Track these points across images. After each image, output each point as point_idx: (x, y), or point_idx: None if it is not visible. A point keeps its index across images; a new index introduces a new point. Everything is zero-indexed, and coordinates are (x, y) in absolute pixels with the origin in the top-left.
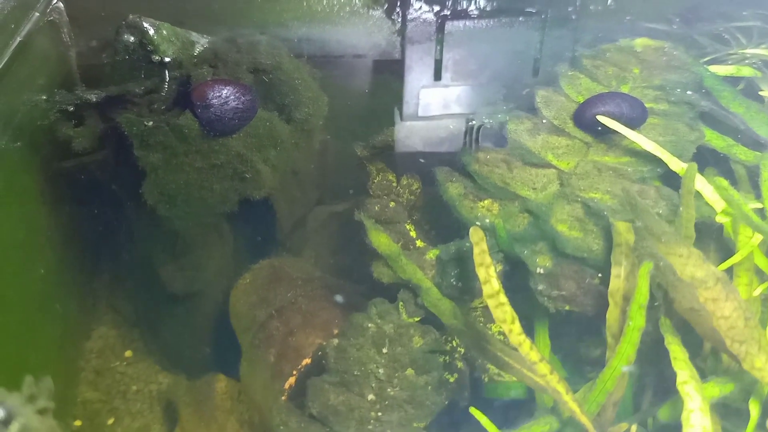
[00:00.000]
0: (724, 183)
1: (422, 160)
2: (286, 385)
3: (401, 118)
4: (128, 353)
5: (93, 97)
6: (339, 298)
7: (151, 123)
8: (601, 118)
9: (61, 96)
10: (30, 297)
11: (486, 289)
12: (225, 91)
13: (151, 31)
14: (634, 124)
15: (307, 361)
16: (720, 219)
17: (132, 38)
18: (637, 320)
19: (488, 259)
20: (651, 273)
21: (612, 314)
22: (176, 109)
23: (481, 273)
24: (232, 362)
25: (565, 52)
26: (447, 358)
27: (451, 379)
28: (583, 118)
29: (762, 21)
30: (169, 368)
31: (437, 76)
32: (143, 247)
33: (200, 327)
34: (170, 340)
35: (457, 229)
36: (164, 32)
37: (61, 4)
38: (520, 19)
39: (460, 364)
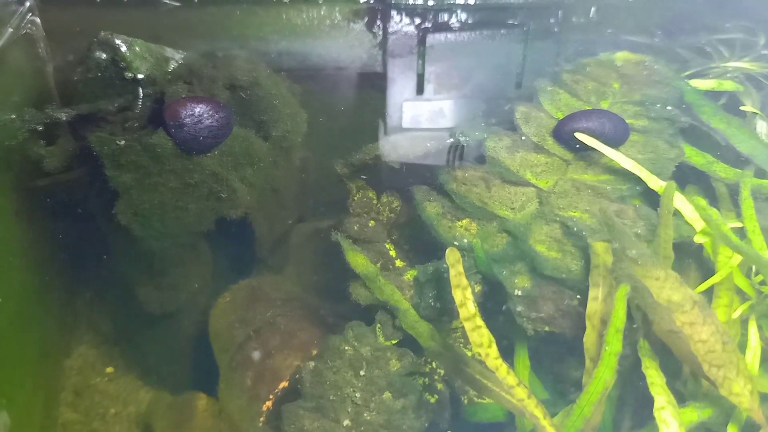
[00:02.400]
0: (703, 202)
1: (402, 178)
2: (264, 408)
3: (382, 134)
4: (109, 369)
5: (63, 115)
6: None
7: (123, 142)
8: (580, 135)
9: (31, 115)
10: (7, 317)
11: (462, 312)
12: (198, 109)
13: (123, 48)
14: (615, 142)
15: (284, 384)
16: (698, 239)
17: (104, 55)
18: (614, 345)
19: (465, 282)
20: (629, 294)
21: (589, 338)
22: (150, 127)
23: (457, 295)
24: (212, 380)
25: (547, 66)
26: (426, 380)
27: (432, 400)
28: (563, 133)
29: (745, 33)
30: (150, 386)
31: (419, 89)
32: (121, 267)
33: (181, 345)
34: (151, 358)
35: (437, 248)
36: (137, 49)
37: (37, 18)
38: (502, 31)
39: (440, 386)
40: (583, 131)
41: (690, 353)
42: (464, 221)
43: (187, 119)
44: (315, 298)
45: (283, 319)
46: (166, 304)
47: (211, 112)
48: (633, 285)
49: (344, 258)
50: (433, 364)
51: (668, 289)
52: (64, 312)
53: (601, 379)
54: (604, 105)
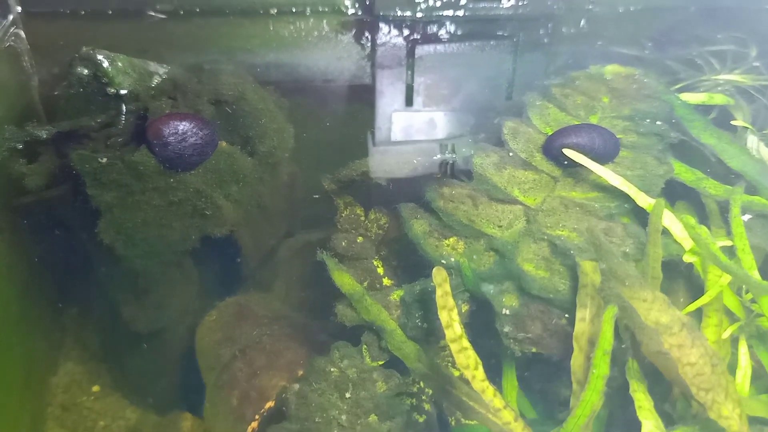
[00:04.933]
0: (692, 221)
1: (390, 194)
2: (249, 429)
3: (370, 149)
4: (95, 388)
5: (43, 133)
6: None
7: (105, 159)
8: (567, 151)
9: (10, 132)
10: None
11: (448, 334)
12: (181, 127)
13: (105, 63)
14: (606, 157)
15: (270, 404)
16: (688, 258)
17: (86, 71)
18: (601, 368)
19: (451, 302)
20: (617, 315)
21: (577, 360)
22: (132, 143)
23: (443, 317)
24: (198, 400)
25: (537, 79)
26: (414, 400)
27: (420, 420)
28: (553, 149)
29: (736, 45)
30: (137, 404)
31: (408, 102)
32: (106, 285)
33: (167, 364)
34: (137, 376)
35: (425, 266)
36: (119, 64)
37: (21, 32)
38: (492, 43)
39: (427, 406)
40: (573, 147)
41: (678, 375)
42: (451, 240)
43: (171, 137)
44: (302, 316)
45: (270, 338)
46: (151, 322)
47: (195, 130)
48: (621, 306)
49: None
50: (421, 384)
51: (656, 310)
52: (50, 328)
53: (588, 402)
54: (593, 120)
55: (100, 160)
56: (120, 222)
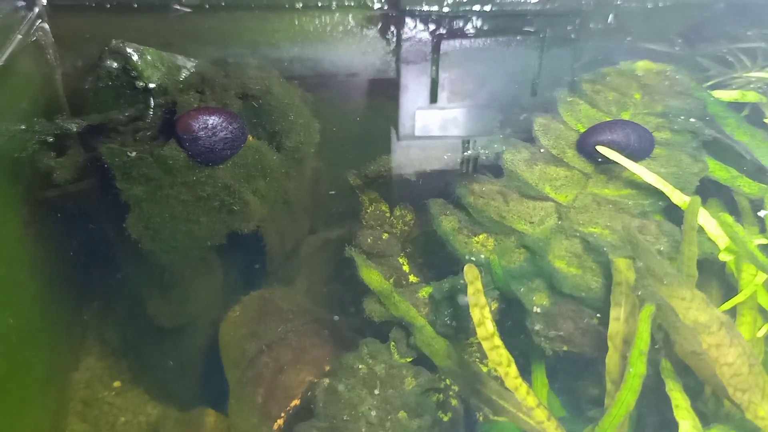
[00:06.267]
0: (729, 219)
1: (416, 190)
2: (275, 427)
3: (396, 144)
4: (117, 384)
5: (74, 126)
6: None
7: (134, 153)
8: (601, 149)
9: (41, 125)
10: (15, 329)
11: (480, 332)
12: (211, 121)
13: (135, 57)
14: (641, 155)
15: (296, 402)
16: (723, 257)
17: (115, 64)
18: (638, 367)
19: (483, 300)
20: (652, 314)
21: (611, 359)
22: (161, 138)
23: (475, 314)
24: (222, 396)
25: (564, 75)
26: (441, 396)
27: (446, 419)
28: (587, 146)
29: (767, 42)
30: (158, 400)
31: (433, 98)
32: (130, 279)
33: (190, 359)
34: (159, 371)
35: (452, 263)
36: (149, 57)
37: (46, 25)
38: (518, 38)
39: (454, 402)
40: (608, 144)
41: (714, 375)
42: (481, 236)
43: (201, 132)
44: (326, 311)
45: (295, 333)
46: (175, 317)
47: (224, 124)
48: (658, 304)
49: (356, 270)
50: (448, 380)
51: (695, 309)
52: (72, 323)
53: (624, 402)
54: (625, 116)
55: (129, 153)
56: (148, 216)
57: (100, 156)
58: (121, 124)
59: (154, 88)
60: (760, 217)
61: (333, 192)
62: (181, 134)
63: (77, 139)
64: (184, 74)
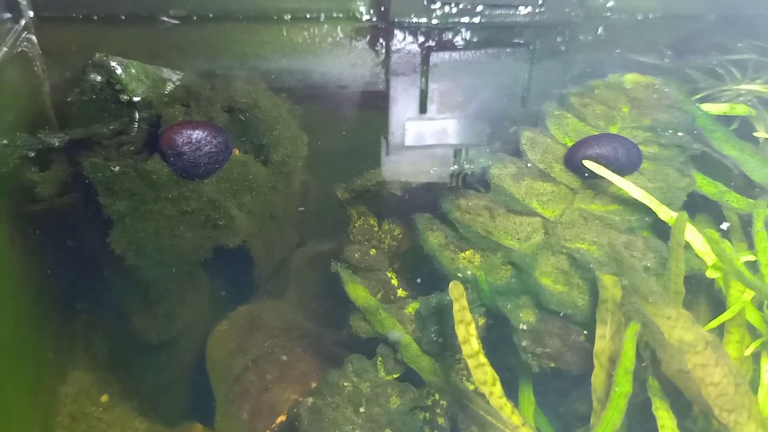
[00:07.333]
0: (716, 235)
1: (404, 204)
2: None
3: (384, 158)
4: (104, 398)
5: (56, 141)
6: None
7: (117, 168)
8: (587, 163)
9: (22, 140)
10: (1, 342)
11: (465, 349)
12: (195, 136)
13: (119, 70)
14: (628, 169)
15: (282, 418)
16: (710, 274)
17: (99, 77)
18: (624, 386)
19: (468, 317)
20: (638, 332)
21: (597, 377)
22: (145, 152)
23: (460, 331)
24: (209, 411)
25: (554, 87)
26: (428, 414)
27: None
28: (575, 160)
29: (757, 54)
30: (146, 415)
31: (422, 109)
32: (117, 294)
33: (177, 373)
34: (147, 386)
35: (441, 278)
36: (133, 71)
37: (33, 37)
38: (508, 50)
39: (441, 420)
40: (595, 158)
41: (700, 395)
42: (468, 252)
43: (186, 147)
44: (315, 326)
45: (282, 348)
46: (162, 332)
47: (209, 138)
48: (643, 323)
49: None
50: (436, 396)
51: (680, 328)
52: (60, 336)
53: (609, 421)
54: (613, 130)
55: (112, 168)
56: (132, 232)
57: (83, 170)
58: (105, 138)
59: (138, 102)
60: (748, 232)
61: (321, 206)
62: (165, 149)
63: (61, 153)
64: (169, 87)
